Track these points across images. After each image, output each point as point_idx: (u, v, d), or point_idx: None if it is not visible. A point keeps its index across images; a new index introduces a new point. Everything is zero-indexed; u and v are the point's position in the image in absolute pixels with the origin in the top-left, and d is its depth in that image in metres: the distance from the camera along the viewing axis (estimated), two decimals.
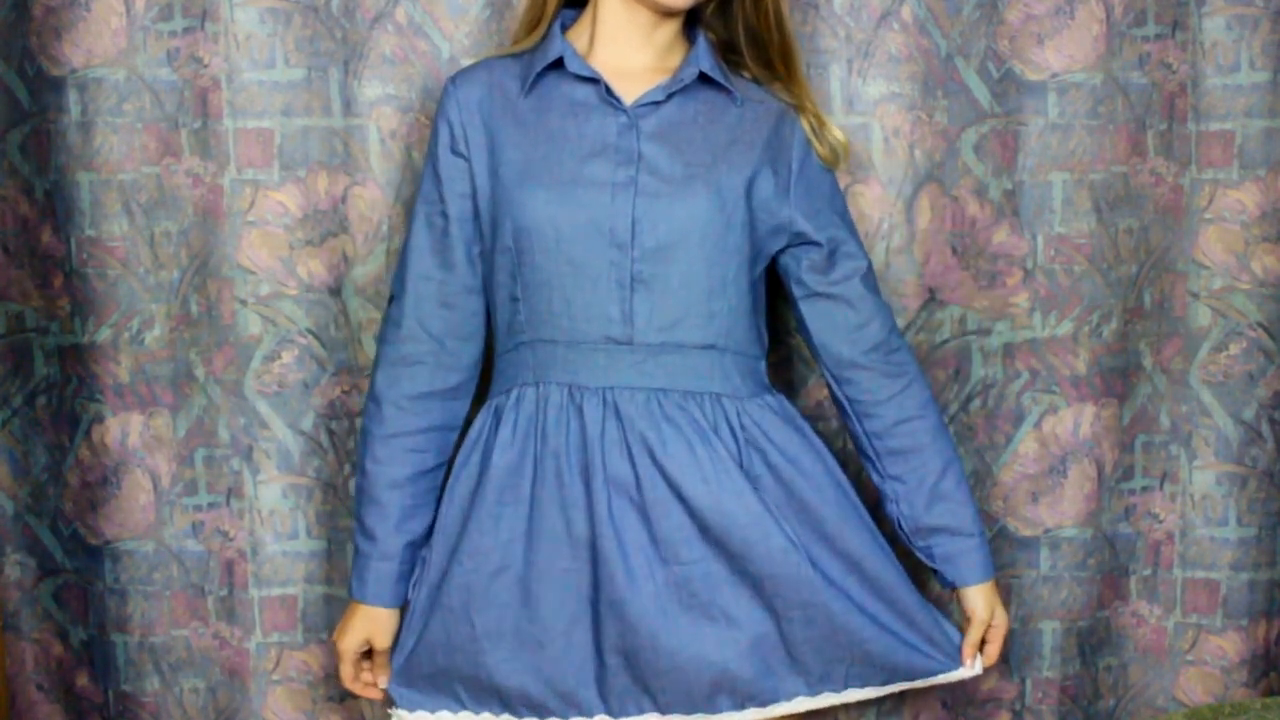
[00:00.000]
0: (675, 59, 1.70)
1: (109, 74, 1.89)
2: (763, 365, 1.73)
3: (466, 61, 1.89)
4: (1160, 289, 2.00)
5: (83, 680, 2.06)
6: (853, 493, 1.71)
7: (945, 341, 1.97)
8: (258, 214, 1.93)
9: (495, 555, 1.64)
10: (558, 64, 1.67)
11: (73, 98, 1.89)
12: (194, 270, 1.94)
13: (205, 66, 1.90)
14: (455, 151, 1.68)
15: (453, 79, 1.70)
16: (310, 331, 1.96)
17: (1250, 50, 1.93)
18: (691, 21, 1.72)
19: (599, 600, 1.62)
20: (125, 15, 1.88)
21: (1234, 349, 2.00)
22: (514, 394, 1.68)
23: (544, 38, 1.69)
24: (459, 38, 1.89)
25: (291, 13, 1.89)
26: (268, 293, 1.95)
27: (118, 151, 1.90)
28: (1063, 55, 1.91)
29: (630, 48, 1.68)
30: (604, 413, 1.63)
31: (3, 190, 1.95)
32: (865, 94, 1.90)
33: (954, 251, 1.95)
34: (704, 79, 1.68)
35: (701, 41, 1.69)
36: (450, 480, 1.71)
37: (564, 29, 1.71)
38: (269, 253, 1.94)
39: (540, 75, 1.67)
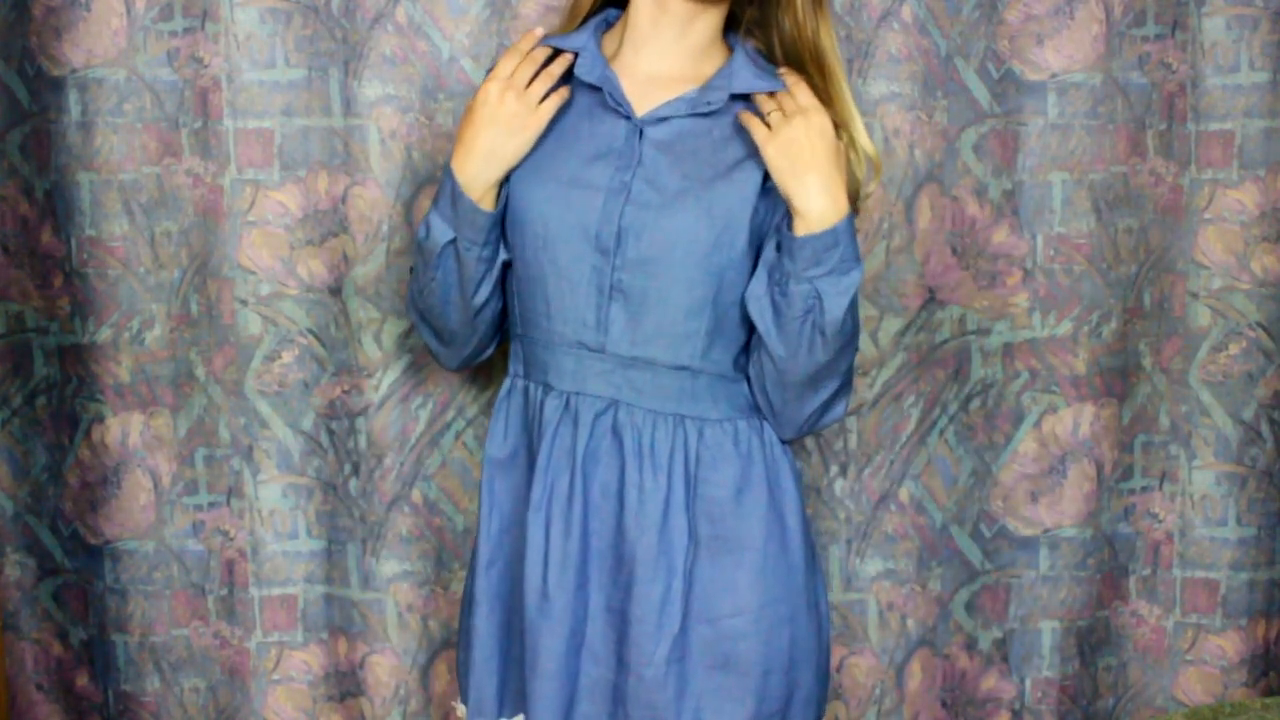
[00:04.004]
0: (710, 66, 1.61)
1: (109, 74, 1.89)
2: (746, 387, 1.64)
3: (466, 62, 1.89)
4: (1160, 289, 2.00)
5: (82, 680, 2.06)
6: (796, 538, 1.61)
7: (945, 341, 1.97)
8: (258, 214, 1.93)
9: (487, 549, 1.66)
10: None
11: (73, 98, 1.89)
12: (194, 270, 1.94)
13: (205, 66, 1.90)
14: None
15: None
16: (310, 331, 1.96)
17: (1250, 50, 1.93)
18: (731, 26, 1.64)
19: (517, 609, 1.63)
20: (125, 15, 1.88)
21: (1233, 349, 2.00)
22: (507, 384, 1.68)
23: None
24: (459, 38, 1.89)
25: (292, 13, 1.89)
26: (268, 293, 1.95)
27: (118, 151, 1.90)
28: (1062, 55, 1.91)
29: (658, 51, 1.60)
30: (560, 416, 1.61)
31: (3, 190, 1.95)
32: (865, 94, 1.90)
33: (954, 251, 1.95)
34: (741, 101, 1.59)
35: (740, 55, 1.60)
36: (484, 465, 1.70)
37: (610, 27, 1.65)
38: (269, 253, 1.94)
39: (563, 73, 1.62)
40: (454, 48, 1.89)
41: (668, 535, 1.59)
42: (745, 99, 1.58)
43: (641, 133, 1.58)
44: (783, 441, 1.65)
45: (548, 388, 1.62)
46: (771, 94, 1.56)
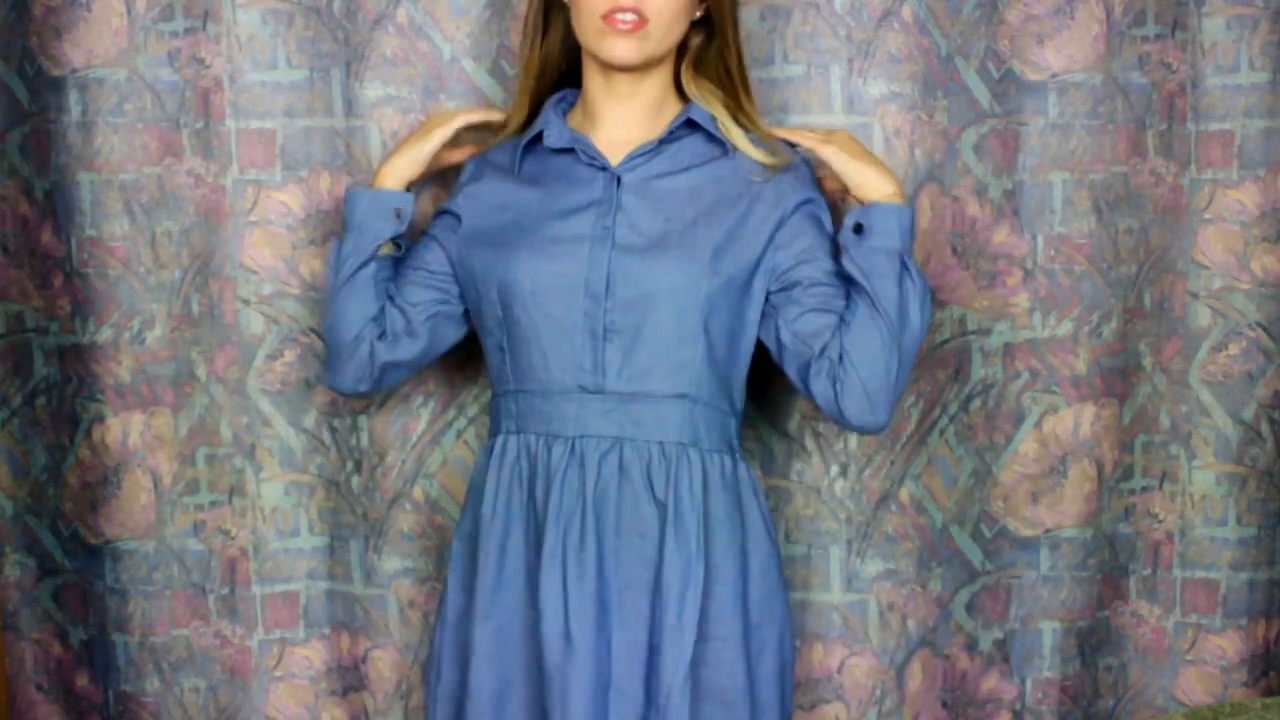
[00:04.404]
0: (669, 120, 1.73)
1: (110, 74, 1.89)
2: (733, 424, 1.74)
3: (467, 62, 1.90)
4: (1160, 289, 2.00)
5: (82, 680, 2.06)
6: (772, 579, 1.72)
7: (945, 341, 1.97)
8: (260, 214, 1.94)
9: (482, 603, 1.69)
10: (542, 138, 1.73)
11: (74, 98, 1.89)
12: (195, 270, 1.95)
13: (207, 67, 1.91)
14: (452, 213, 1.78)
15: (472, 158, 1.81)
16: (312, 330, 1.96)
17: (1250, 50, 1.94)
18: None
19: (541, 666, 1.65)
20: (126, 16, 1.89)
21: (1233, 349, 2.01)
22: (500, 441, 1.72)
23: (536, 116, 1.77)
24: (460, 38, 1.90)
25: (293, 14, 1.90)
26: (270, 292, 1.95)
27: (119, 151, 1.91)
28: (1063, 55, 1.91)
29: (616, 116, 1.71)
30: (568, 462, 1.66)
31: (2, 190, 1.95)
32: (866, 94, 1.90)
33: (954, 251, 1.95)
34: (703, 134, 1.72)
35: (694, 105, 1.72)
36: (459, 517, 1.78)
37: (571, 107, 1.77)
38: (271, 252, 1.94)
39: (530, 149, 1.74)
40: (455, 48, 1.90)
41: (685, 563, 1.64)
42: (715, 143, 1.72)
43: (619, 181, 1.68)
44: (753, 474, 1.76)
45: (551, 437, 1.68)
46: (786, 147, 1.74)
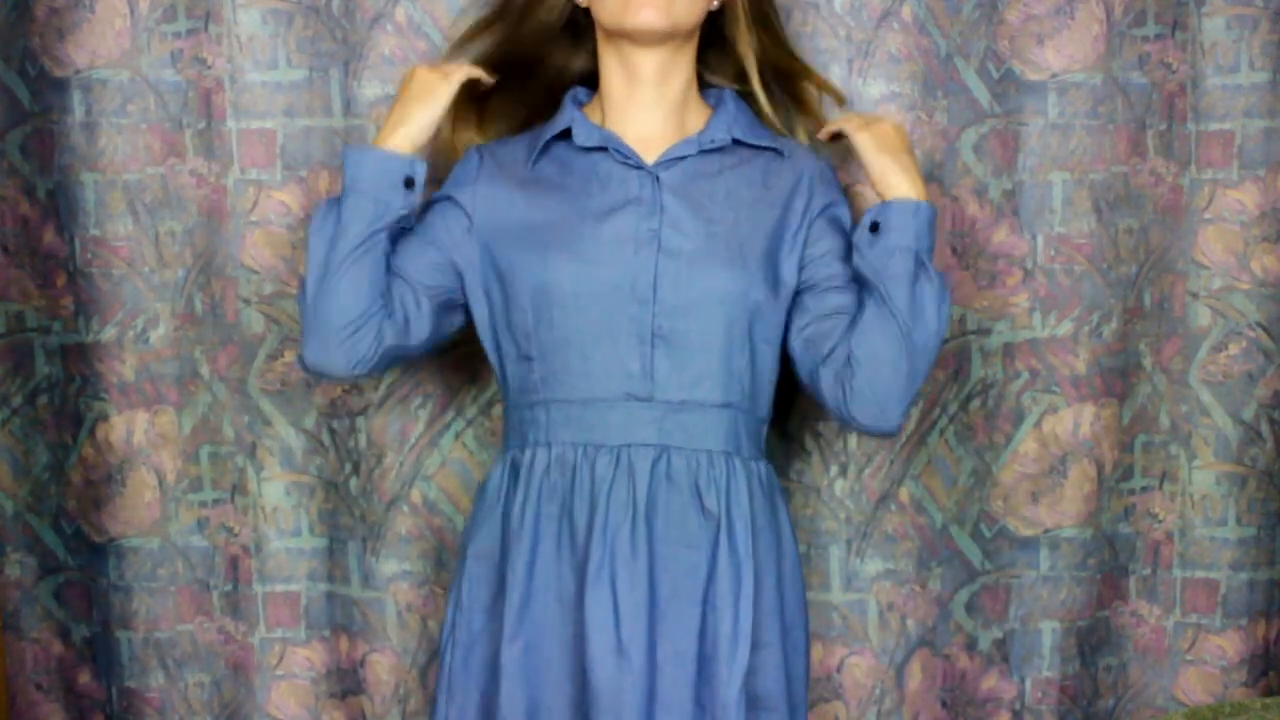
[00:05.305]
0: (695, 118, 1.70)
1: (113, 75, 1.90)
2: (765, 431, 1.73)
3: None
4: (1160, 289, 1.99)
5: (84, 678, 2.07)
6: (799, 581, 1.73)
7: (945, 341, 1.96)
8: (261, 214, 1.94)
9: (510, 623, 1.63)
10: (568, 135, 1.68)
11: (77, 98, 1.90)
12: (198, 269, 1.96)
13: (209, 68, 1.91)
14: (458, 204, 1.70)
15: (475, 148, 1.73)
16: None
17: (1250, 50, 1.93)
18: (708, 83, 1.75)
19: (586, 685, 1.61)
20: (129, 17, 1.90)
21: (1233, 349, 2.00)
22: (528, 454, 1.67)
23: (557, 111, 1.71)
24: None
25: (293, 14, 1.90)
26: (271, 292, 1.96)
27: (122, 152, 1.92)
28: (1063, 55, 1.91)
29: (641, 112, 1.67)
30: (615, 472, 1.62)
31: (2, 190, 1.96)
32: (865, 94, 1.90)
33: (954, 251, 1.95)
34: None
35: (729, 102, 1.70)
36: (470, 533, 1.72)
37: (583, 106, 1.72)
38: (272, 252, 1.95)
39: (550, 145, 1.69)
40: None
41: (735, 572, 1.62)
42: (744, 146, 1.69)
43: (658, 180, 1.64)
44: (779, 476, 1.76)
45: (594, 447, 1.63)
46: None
